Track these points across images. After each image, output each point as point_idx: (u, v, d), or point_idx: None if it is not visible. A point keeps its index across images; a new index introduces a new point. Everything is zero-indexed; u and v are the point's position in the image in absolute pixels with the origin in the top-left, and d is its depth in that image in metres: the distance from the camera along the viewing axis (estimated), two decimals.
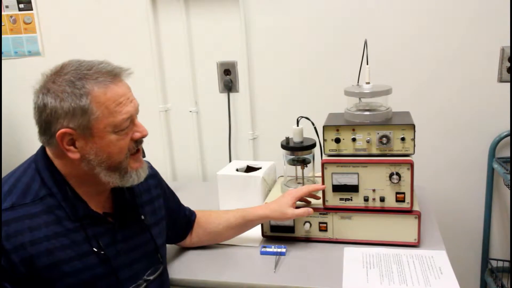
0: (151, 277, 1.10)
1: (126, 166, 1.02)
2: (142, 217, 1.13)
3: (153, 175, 1.25)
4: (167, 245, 1.35)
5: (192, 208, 1.38)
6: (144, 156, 1.80)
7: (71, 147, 0.96)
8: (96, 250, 1.00)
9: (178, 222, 1.32)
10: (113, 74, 0.98)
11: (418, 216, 1.28)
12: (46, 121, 0.95)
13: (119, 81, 0.99)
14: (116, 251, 1.04)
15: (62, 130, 0.94)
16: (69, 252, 0.96)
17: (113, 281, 1.03)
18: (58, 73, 0.96)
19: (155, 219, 1.18)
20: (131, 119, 1.01)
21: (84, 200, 1.01)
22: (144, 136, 1.04)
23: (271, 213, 1.31)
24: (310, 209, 1.31)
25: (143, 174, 1.06)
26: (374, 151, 1.30)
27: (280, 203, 1.31)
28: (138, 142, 1.04)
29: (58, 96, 0.93)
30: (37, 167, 1.01)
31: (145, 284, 1.08)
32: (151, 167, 1.26)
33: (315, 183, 1.49)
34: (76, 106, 0.93)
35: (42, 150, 1.03)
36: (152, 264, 1.13)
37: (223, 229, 1.35)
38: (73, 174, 1.00)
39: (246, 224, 1.34)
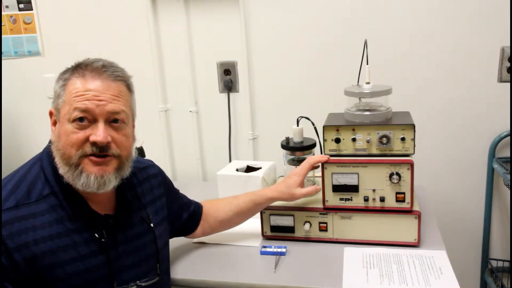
0: (143, 284, 1.07)
1: (78, 164, 0.97)
2: (147, 216, 1.12)
3: (155, 174, 1.24)
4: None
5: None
6: (144, 156, 1.81)
7: (53, 127, 1.03)
8: (96, 252, 0.99)
9: (185, 217, 1.32)
10: (96, 70, 0.99)
11: (418, 216, 1.28)
12: None
13: (98, 78, 0.98)
14: (118, 254, 1.04)
15: (50, 109, 1.03)
16: (71, 252, 0.96)
17: (110, 284, 1.01)
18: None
19: (156, 219, 1.18)
20: (92, 119, 0.97)
21: (85, 200, 1.01)
22: (97, 142, 0.96)
23: (280, 195, 1.33)
24: (318, 186, 1.35)
25: (94, 184, 0.97)
26: (374, 151, 1.30)
27: (288, 184, 1.33)
28: (95, 146, 0.96)
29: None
30: (41, 165, 1.01)
31: (135, 286, 1.05)
32: (153, 166, 1.26)
33: (315, 183, 1.49)
34: (57, 90, 1.01)
35: (48, 148, 1.03)
36: (150, 272, 1.11)
37: (234, 215, 1.36)
38: None
39: (256, 208, 1.36)
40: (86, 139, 0.97)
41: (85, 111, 0.96)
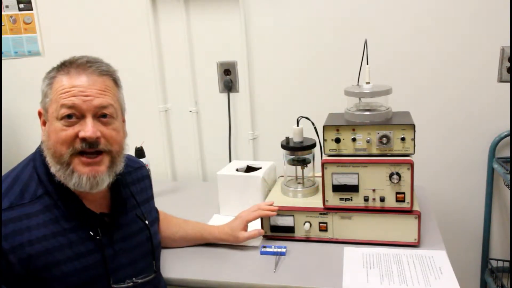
0: (139, 281, 1.07)
1: (69, 163, 0.96)
2: (142, 214, 1.13)
3: (147, 176, 1.26)
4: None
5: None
6: (144, 156, 1.80)
7: (43, 127, 1.02)
8: (92, 250, 0.99)
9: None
10: (81, 66, 0.99)
11: (418, 216, 1.28)
12: None
13: (83, 74, 0.98)
14: (114, 252, 1.04)
15: (39, 109, 1.03)
16: (67, 252, 0.96)
17: (107, 282, 1.01)
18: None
19: (151, 218, 1.18)
20: (80, 115, 0.96)
21: (79, 199, 1.00)
22: (86, 137, 0.95)
23: (225, 237, 1.36)
24: (261, 230, 1.37)
25: (86, 185, 0.97)
26: (374, 151, 1.30)
27: (232, 227, 1.35)
28: (84, 142, 0.96)
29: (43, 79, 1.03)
30: (34, 165, 1.01)
31: (132, 284, 1.05)
32: (144, 167, 1.27)
33: (315, 183, 1.49)
34: (44, 89, 1.01)
35: (40, 148, 1.03)
36: (146, 269, 1.11)
37: (179, 238, 1.37)
38: None
39: (201, 240, 1.38)
40: (76, 136, 0.96)
41: (72, 107, 0.96)
